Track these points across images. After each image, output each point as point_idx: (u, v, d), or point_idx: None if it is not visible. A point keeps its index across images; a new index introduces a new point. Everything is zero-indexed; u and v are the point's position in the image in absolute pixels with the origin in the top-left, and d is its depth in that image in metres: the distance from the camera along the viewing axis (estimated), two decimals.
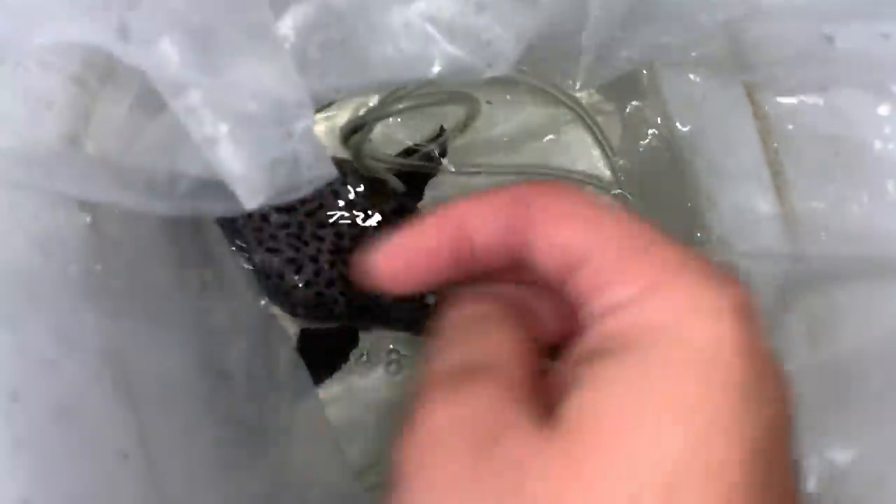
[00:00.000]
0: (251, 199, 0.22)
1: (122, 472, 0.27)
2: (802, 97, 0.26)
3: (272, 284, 0.39)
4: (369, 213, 0.38)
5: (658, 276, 0.15)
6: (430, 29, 0.28)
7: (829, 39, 0.24)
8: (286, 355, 0.42)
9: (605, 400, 0.14)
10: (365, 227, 0.38)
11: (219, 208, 0.23)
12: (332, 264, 0.38)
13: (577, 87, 0.31)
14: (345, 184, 0.38)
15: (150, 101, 0.26)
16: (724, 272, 0.16)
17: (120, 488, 0.26)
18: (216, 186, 0.23)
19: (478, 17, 0.29)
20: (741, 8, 0.23)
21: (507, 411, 0.15)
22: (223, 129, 0.21)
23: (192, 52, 0.21)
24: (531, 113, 0.46)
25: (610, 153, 0.46)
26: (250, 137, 0.22)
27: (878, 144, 0.24)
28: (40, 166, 0.26)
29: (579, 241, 0.16)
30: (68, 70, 0.26)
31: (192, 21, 0.20)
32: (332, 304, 0.39)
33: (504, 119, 0.46)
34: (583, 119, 0.46)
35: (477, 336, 0.17)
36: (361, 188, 0.39)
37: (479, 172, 0.46)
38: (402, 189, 0.42)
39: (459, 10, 0.29)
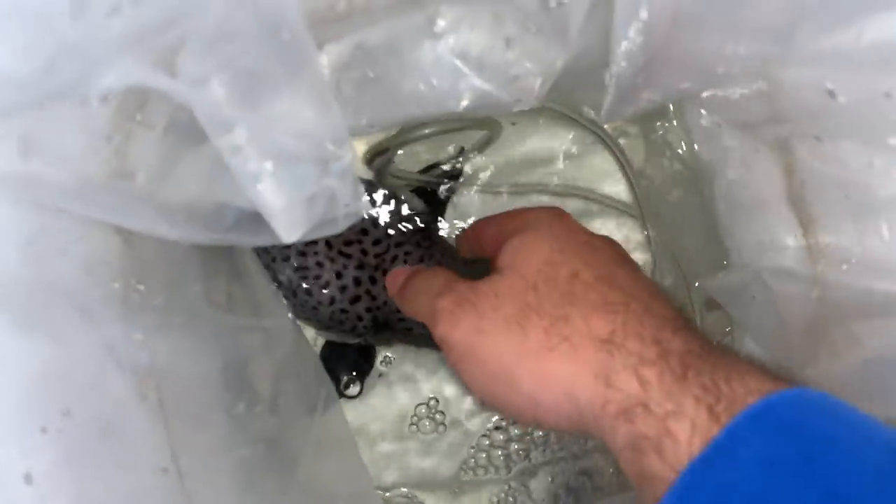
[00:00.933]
0: (289, 233, 0.24)
1: (161, 487, 0.28)
2: (812, 142, 0.27)
3: (299, 301, 0.40)
4: (392, 231, 0.40)
5: (513, 227, 0.32)
6: (459, 64, 0.29)
7: (832, 94, 0.25)
8: (313, 370, 0.43)
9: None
10: (388, 245, 0.39)
11: (259, 240, 0.24)
12: (357, 282, 0.39)
13: (602, 119, 0.32)
14: (372, 203, 0.39)
15: (183, 125, 0.27)
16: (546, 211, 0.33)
17: (158, 502, 0.28)
18: (258, 218, 0.24)
19: (506, 53, 0.30)
20: (755, 61, 0.23)
21: (465, 289, 0.30)
22: (266, 166, 0.22)
23: (238, 92, 0.22)
24: (554, 134, 0.47)
25: (632, 176, 0.46)
26: (291, 174, 0.23)
27: (883, 191, 0.25)
28: (92, 198, 0.27)
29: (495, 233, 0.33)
30: (117, 101, 0.28)
31: (239, 63, 0.22)
32: (356, 320, 0.40)
33: (527, 140, 0.47)
34: (606, 143, 0.47)
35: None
36: (385, 208, 0.40)
37: (500, 192, 0.47)
38: (423, 209, 0.43)
39: (488, 46, 0.29)
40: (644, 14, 0.25)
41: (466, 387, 0.33)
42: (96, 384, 0.26)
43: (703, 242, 0.39)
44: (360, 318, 0.40)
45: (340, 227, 0.25)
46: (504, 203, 0.48)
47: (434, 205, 0.46)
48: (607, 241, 0.31)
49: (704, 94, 0.30)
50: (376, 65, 0.27)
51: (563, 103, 0.44)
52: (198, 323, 0.35)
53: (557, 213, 0.32)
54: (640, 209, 0.46)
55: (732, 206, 0.35)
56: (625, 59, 0.27)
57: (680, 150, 0.41)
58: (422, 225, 0.41)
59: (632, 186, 0.47)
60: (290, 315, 0.42)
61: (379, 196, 0.40)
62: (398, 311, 0.39)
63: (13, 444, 0.23)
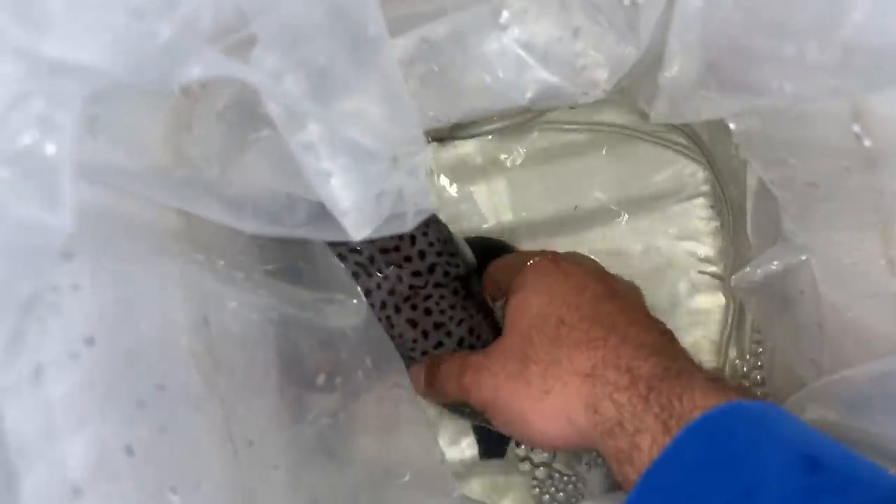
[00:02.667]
0: (358, 231, 0.24)
1: (234, 461, 0.29)
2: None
3: None
4: (436, 269, 0.38)
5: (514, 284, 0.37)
6: (524, 55, 0.29)
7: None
8: (380, 345, 0.42)
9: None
10: (427, 282, 0.38)
11: (328, 235, 0.25)
12: (383, 306, 0.38)
13: (651, 119, 0.31)
14: (425, 234, 0.38)
15: (243, 109, 0.27)
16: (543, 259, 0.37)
17: (231, 476, 0.29)
18: (327, 214, 0.24)
19: (574, 43, 0.29)
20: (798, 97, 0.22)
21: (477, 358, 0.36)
22: (338, 163, 0.23)
23: (312, 89, 0.22)
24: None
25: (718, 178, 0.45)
26: (361, 172, 0.23)
27: None
28: (157, 183, 0.28)
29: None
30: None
31: (314, 59, 0.22)
32: None
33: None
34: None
35: None
36: (437, 243, 0.39)
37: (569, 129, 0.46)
38: (470, 260, 0.42)
39: (555, 36, 0.29)
40: (697, 31, 0.24)
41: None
42: (186, 357, 0.27)
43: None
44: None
45: (409, 225, 0.25)
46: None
47: (482, 263, 0.44)
48: (594, 278, 0.35)
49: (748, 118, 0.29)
50: (441, 58, 0.27)
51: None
52: (256, 295, 0.35)
53: (551, 264, 0.36)
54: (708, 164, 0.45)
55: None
56: (678, 69, 0.26)
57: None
58: (463, 273, 0.40)
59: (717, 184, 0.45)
60: (358, 290, 0.42)
61: (436, 228, 0.39)
62: (411, 350, 0.39)
63: (116, 416, 0.24)
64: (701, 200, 0.46)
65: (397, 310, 0.39)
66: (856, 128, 0.25)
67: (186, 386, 0.28)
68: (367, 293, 0.38)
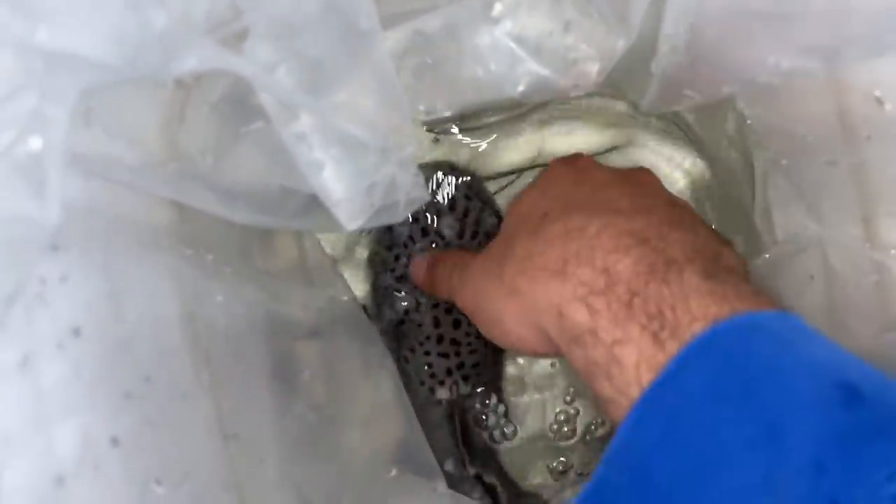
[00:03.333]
0: (351, 221, 0.24)
1: (222, 453, 0.29)
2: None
3: None
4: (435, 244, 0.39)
5: None
6: (516, 48, 0.29)
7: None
8: (367, 336, 0.42)
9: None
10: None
11: (322, 225, 0.24)
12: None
13: (643, 108, 0.31)
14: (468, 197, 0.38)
15: (236, 101, 0.27)
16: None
17: (221, 468, 0.29)
18: (320, 204, 0.24)
19: (565, 37, 0.29)
20: (798, 74, 0.22)
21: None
22: (330, 154, 0.23)
23: (304, 80, 0.22)
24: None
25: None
26: (353, 162, 0.23)
27: None
28: (151, 175, 0.28)
29: None
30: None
31: (307, 51, 0.22)
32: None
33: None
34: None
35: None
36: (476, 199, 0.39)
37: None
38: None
39: (546, 30, 0.29)
40: (691, 14, 0.24)
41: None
42: (173, 350, 0.27)
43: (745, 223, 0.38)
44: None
45: (401, 215, 0.25)
46: None
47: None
48: (607, 171, 0.31)
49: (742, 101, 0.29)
50: (434, 51, 0.27)
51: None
52: (244, 289, 0.35)
53: (563, 162, 0.33)
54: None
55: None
56: (670, 55, 0.26)
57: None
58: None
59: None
60: (348, 285, 0.42)
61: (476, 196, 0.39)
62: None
63: (102, 408, 0.24)
64: (691, 190, 0.47)
65: (435, 304, 0.39)
66: (877, 92, 0.24)
67: (173, 378, 0.28)
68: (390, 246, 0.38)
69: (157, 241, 0.30)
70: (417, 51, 0.27)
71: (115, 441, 0.24)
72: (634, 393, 0.22)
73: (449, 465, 0.42)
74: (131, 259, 0.27)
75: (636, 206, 0.28)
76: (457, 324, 0.39)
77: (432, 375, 0.41)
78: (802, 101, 0.28)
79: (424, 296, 0.39)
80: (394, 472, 0.40)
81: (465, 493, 0.42)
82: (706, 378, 0.21)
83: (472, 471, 0.42)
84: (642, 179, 0.31)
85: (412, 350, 0.41)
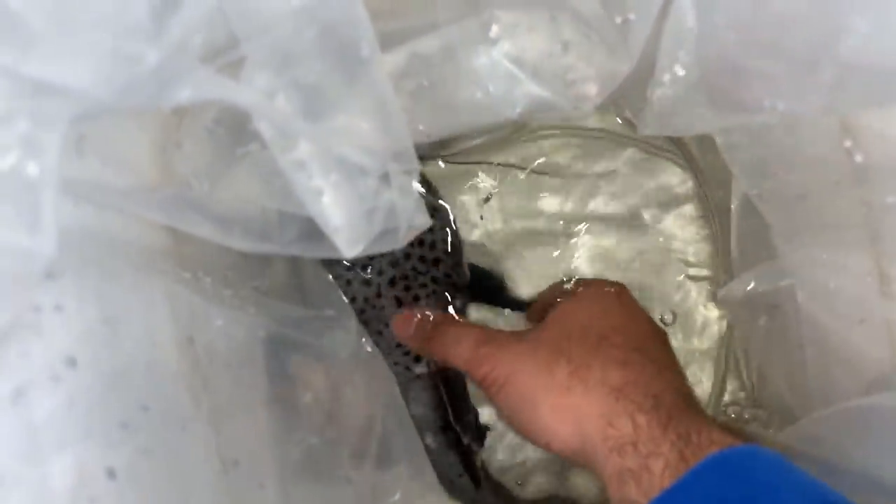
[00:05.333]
0: (351, 248, 0.23)
1: (222, 482, 0.28)
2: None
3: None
4: (439, 265, 0.40)
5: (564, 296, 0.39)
6: (514, 70, 0.29)
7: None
8: (370, 363, 0.42)
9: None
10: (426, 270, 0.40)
11: (321, 252, 0.24)
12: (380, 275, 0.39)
13: (639, 130, 0.31)
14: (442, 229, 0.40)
15: (229, 125, 0.27)
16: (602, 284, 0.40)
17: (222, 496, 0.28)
18: (318, 231, 0.23)
19: (563, 57, 0.29)
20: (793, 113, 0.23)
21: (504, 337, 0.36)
22: (329, 181, 0.22)
23: (302, 107, 0.22)
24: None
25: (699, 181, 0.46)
26: (353, 188, 0.23)
27: None
28: (145, 201, 0.27)
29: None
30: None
31: (305, 78, 0.21)
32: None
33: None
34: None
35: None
36: (445, 244, 0.40)
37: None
38: (466, 279, 0.43)
39: (545, 50, 0.29)
40: (690, 50, 0.24)
41: (498, 412, 0.41)
42: (171, 377, 0.27)
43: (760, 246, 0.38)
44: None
45: (401, 241, 0.25)
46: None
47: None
48: (649, 319, 0.37)
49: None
50: (431, 72, 0.27)
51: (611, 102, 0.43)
52: (244, 313, 0.35)
53: (613, 290, 0.38)
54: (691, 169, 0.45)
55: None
56: (666, 83, 0.26)
57: None
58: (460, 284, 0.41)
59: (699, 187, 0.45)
60: (350, 307, 0.42)
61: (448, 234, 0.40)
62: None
63: (98, 439, 0.23)
64: (690, 209, 0.47)
65: (392, 283, 0.40)
66: (847, 143, 0.25)
67: (172, 406, 0.28)
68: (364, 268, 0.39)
69: (154, 265, 0.29)
70: (415, 73, 0.26)
71: (111, 473, 0.24)
72: (656, 494, 0.27)
73: (429, 439, 0.43)
74: (127, 284, 0.27)
75: (667, 348, 0.35)
76: (416, 298, 0.40)
77: (406, 353, 0.41)
78: (780, 139, 0.28)
79: (381, 276, 0.40)
80: (397, 496, 0.40)
81: (445, 468, 0.43)
82: (713, 488, 0.26)
83: (466, 441, 0.43)
84: (658, 332, 0.37)
85: (380, 333, 0.41)
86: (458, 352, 0.36)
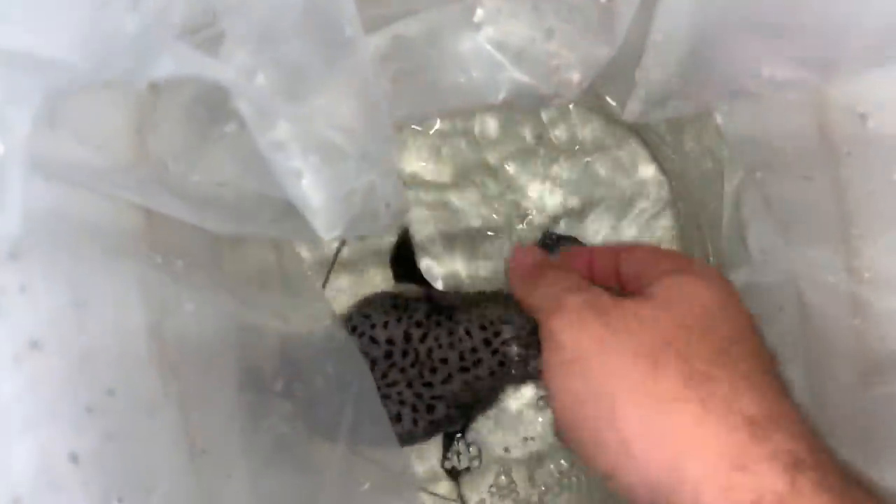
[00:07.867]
0: (328, 229, 0.23)
1: (191, 468, 0.28)
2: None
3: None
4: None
5: (673, 267, 0.28)
6: (497, 55, 0.29)
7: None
8: (343, 350, 0.41)
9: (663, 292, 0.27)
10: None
11: (299, 233, 0.24)
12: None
13: (625, 116, 0.31)
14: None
15: (205, 103, 0.26)
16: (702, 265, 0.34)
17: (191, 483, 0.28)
18: (297, 212, 0.23)
19: (547, 44, 0.29)
20: (790, 86, 0.22)
21: (603, 296, 0.27)
22: (308, 162, 0.22)
23: (283, 87, 0.21)
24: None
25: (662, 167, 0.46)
26: (332, 170, 0.22)
27: None
28: (118, 181, 0.26)
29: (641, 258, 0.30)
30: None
31: (286, 57, 0.21)
32: None
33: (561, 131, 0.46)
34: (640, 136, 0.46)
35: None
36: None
37: None
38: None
39: (528, 36, 0.29)
40: (685, 24, 0.24)
41: (549, 401, 0.28)
42: (140, 362, 0.26)
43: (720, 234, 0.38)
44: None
45: (382, 229, 0.24)
46: None
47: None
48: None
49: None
50: (414, 56, 0.27)
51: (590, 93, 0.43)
52: (216, 297, 0.34)
53: (719, 274, 0.29)
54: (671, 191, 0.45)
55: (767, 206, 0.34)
56: (657, 64, 0.26)
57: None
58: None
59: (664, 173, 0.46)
60: (323, 293, 0.40)
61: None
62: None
63: (61, 423, 0.23)
64: (664, 206, 0.47)
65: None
66: (860, 109, 0.24)
67: (139, 391, 0.27)
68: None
69: (125, 247, 0.29)
70: (398, 56, 0.26)
71: (74, 457, 0.23)
72: None
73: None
74: (96, 267, 0.26)
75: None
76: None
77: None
78: (783, 114, 0.28)
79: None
80: (368, 486, 0.39)
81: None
82: None
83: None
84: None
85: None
86: (542, 292, 0.27)
